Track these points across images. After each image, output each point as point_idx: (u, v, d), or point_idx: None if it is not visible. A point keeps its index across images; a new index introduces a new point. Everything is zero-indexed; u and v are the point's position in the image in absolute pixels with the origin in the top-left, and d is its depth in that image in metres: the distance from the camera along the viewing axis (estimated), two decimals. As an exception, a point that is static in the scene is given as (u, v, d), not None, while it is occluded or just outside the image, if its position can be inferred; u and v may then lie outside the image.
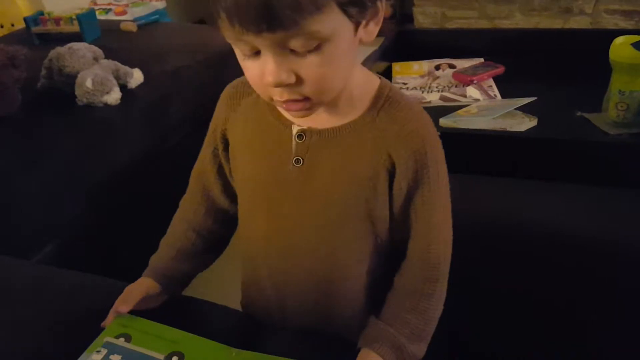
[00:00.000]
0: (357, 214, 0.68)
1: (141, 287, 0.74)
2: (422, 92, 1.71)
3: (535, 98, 1.51)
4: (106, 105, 1.68)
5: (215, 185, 0.77)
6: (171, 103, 1.82)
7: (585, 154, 1.28)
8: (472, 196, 1.08)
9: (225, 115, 0.73)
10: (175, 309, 0.76)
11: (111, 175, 1.51)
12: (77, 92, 1.65)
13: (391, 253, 0.72)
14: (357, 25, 0.58)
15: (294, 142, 0.68)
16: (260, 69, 0.57)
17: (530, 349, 0.97)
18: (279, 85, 0.56)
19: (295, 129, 0.67)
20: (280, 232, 0.72)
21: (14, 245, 1.17)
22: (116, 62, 1.76)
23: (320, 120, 0.66)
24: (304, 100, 0.59)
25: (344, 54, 0.58)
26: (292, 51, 0.55)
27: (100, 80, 1.66)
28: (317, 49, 0.55)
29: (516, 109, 1.50)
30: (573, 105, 1.47)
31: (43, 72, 1.73)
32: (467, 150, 1.29)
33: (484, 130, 1.41)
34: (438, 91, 1.70)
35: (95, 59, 1.75)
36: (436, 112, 1.54)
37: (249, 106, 0.71)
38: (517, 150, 1.35)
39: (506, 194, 1.13)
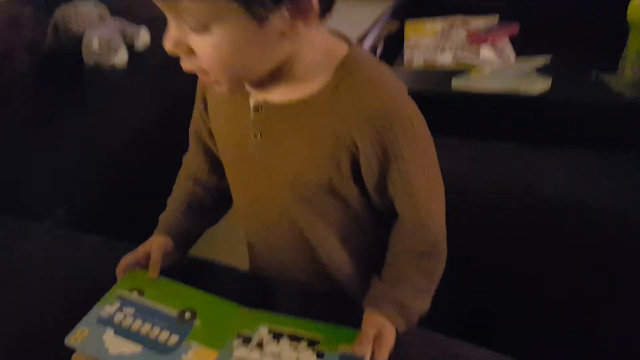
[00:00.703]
0: (323, 191, 0.65)
1: (158, 246, 0.74)
2: (435, 53, 1.68)
3: (550, 58, 1.48)
4: (114, 67, 1.66)
5: (211, 142, 0.76)
6: (179, 66, 1.80)
7: (600, 117, 1.26)
8: (482, 162, 1.07)
9: None
10: (185, 270, 0.77)
11: (120, 139, 1.50)
12: (83, 53, 1.64)
13: (376, 219, 0.70)
14: (259, 19, 0.53)
15: (251, 115, 0.65)
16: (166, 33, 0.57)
17: (532, 307, 0.97)
18: (171, 52, 0.57)
19: (252, 101, 0.64)
20: (255, 205, 0.71)
21: (25, 209, 1.18)
22: (122, 20, 1.74)
23: (276, 93, 0.63)
24: (205, 74, 0.58)
25: (243, 43, 0.55)
26: (186, 22, 0.54)
27: (107, 41, 1.64)
28: (205, 29, 0.53)
29: (530, 69, 1.47)
30: (589, 66, 1.43)
31: (49, 32, 1.71)
32: (479, 113, 1.28)
33: (496, 92, 1.38)
34: (451, 52, 1.67)
35: (101, 18, 1.73)
36: (449, 74, 1.52)
37: None
38: (530, 113, 1.33)
39: (517, 160, 1.11)
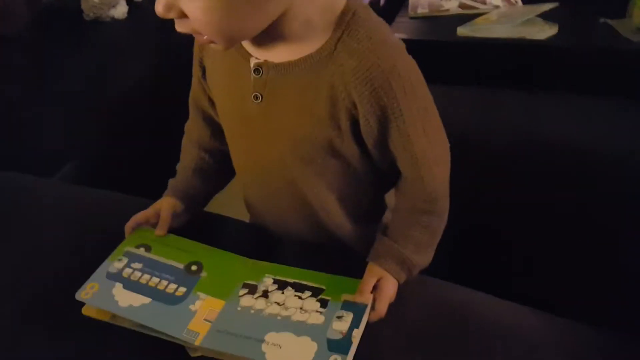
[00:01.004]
0: (324, 151, 0.65)
1: (168, 205, 0.75)
2: (441, -1, 1.64)
3: (557, 4, 1.45)
4: (113, 19, 1.64)
5: (211, 109, 0.76)
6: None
7: (607, 63, 1.24)
8: (488, 110, 1.07)
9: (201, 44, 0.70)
10: (190, 223, 0.78)
11: (123, 92, 1.50)
12: (83, 7, 1.62)
13: (377, 176, 0.70)
14: None
15: (252, 77, 0.64)
16: None
17: (537, 256, 0.99)
18: (163, 16, 0.56)
19: (252, 62, 0.63)
20: (255, 168, 0.72)
21: (33, 165, 1.19)
22: (121, -27, 1.71)
23: (277, 52, 0.62)
24: (199, 35, 0.57)
25: (235, 2, 0.54)
26: None
27: (106, -6, 1.61)
28: None
29: (537, 15, 1.44)
30: (596, 11, 1.40)
31: (47, -14, 1.68)
32: (485, 61, 1.26)
33: (502, 39, 1.36)
34: (457, -2, 1.63)
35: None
36: (454, 21, 1.49)
37: None
38: (536, 60, 1.31)
39: (523, 107, 1.10)
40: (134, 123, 1.53)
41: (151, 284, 0.66)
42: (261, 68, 0.63)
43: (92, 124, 1.40)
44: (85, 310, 0.65)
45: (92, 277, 0.67)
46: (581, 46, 1.29)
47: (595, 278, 0.93)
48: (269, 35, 0.59)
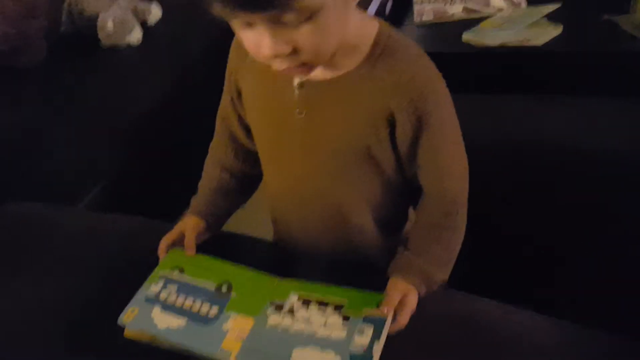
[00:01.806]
0: (361, 160, 0.70)
1: (191, 226, 0.80)
2: (445, 4, 1.67)
3: (560, 4, 1.46)
4: (129, 45, 1.70)
5: (238, 130, 0.81)
6: (192, 37, 1.82)
7: (612, 64, 1.25)
8: (494, 116, 1.09)
9: (236, 65, 0.76)
10: (215, 243, 0.82)
11: (140, 116, 1.53)
12: (100, 36, 1.68)
13: (404, 188, 0.75)
14: None
15: (295, 94, 0.69)
16: (256, 41, 0.58)
17: (545, 259, 1.00)
18: (275, 57, 0.58)
19: (296, 80, 0.69)
20: (291, 180, 0.76)
21: (59, 192, 1.22)
22: (133, -2, 1.76)
23: (319, 71, 0.66)
24: (302, 66, 0.61)
25: (338, 17, 0.58)
26: (285, 22, 0.55)
27: (121, 21, 1.67)
28: (310, 18, 0.56)
29: (541, 16, 1.46)
30: (599, 8, 1.42)
31: (64, 17, 1.75)
32: (490, 67, 1.28)
33: (507, 45, 1.38)
34: (461, 2, 1.66)
35: (113, -2, 1.76)
36: (460, 26, 1.52)
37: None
38: (541, 65, 1.33)
39: (529, 112, 1.12)
40: (154, 143, 1.58)
41: (186, 305, 0.71)
42: (304, 85, 0.69)
43: (115, 146, 1.44)
44: (127, 333, 0.69)
45: (132, 301, 0.71)
46: (586, 47, 1.31)
47: (600, 279, 0.95)
48: None
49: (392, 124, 0.68)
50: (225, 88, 0.79)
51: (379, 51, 0.66)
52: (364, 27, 0.67)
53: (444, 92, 0.68)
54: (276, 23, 0.56)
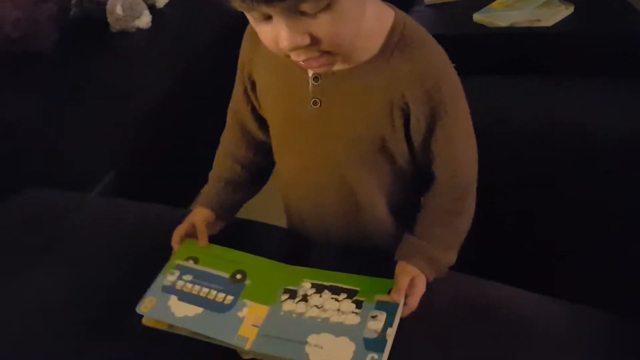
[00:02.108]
0: (376, 150, 0.71)
1: (201, 217, 0.81)
2: (455, -17, 1.65)
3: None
4: (138, 29, 1.70)
5: (250, 121, 0.81)
6: (201, 20, 1.82)
7: (624, 44, 1.24)
8: (504, 98, 1.08)
9: (249, 56, 0.76)
10: (229, 230, 0.84)
11: (150, 100, 1.53)
12: (109, 20, 1.68)
13: (416, 177, 0.76)
14: None
15: (310, 84, 0.69)
16: (274, 34, 0.58)
17: (559, 242, 1.01)
18: (294, 49, 0.58)
19: (311, 71, 0.69)
20: (305, 170, 0.77)
21: (73, 179, 1.23)
22: (142, -19, 1.76)
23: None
24: (323, 56, 0.61)
25: (355, 5, 0.59)
26: (303, 12, 0.55)
27: (130, 5, 1.67)
28: (327, 7, 0.56)
29: (552, -5, 1.45)
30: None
31: (73, 1, 1.75)
32: (500, 49, 1.27)
33: (517, 26, 1.36)
34: (472, -18, 1.64)
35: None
36: (471, 6, 1.50)
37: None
38: (551, 46, 1.32)
39: (540, 94, 1.12)
40: (165, 129, 1.58)
41: (202, 294, 0.72)
42: (319, 76, 0.69)
43: (126, 133, 1.43)
44: (145, 321, 0.71)
45: (149, 291, 0.73)
46: (597, 28, 1.29)
47: (609, 263, 0.96)
48: None
49: (406, 115, 0.68)
50: (237, 80, 0.79)
51: (395, 41, 0.66)
52: (380, 15, 0.67)
53: (456, 81, 0.69)
54: (294, 13, 0.56)
